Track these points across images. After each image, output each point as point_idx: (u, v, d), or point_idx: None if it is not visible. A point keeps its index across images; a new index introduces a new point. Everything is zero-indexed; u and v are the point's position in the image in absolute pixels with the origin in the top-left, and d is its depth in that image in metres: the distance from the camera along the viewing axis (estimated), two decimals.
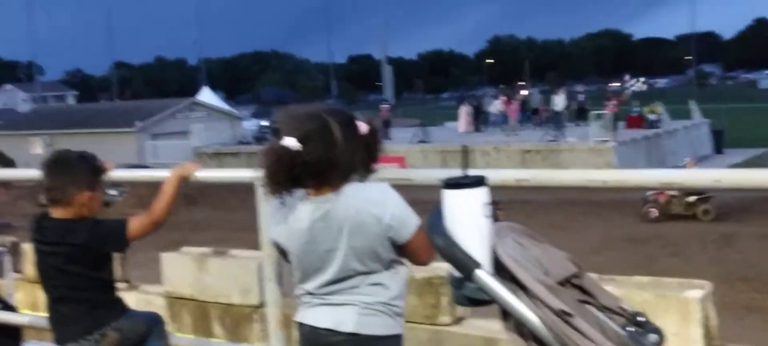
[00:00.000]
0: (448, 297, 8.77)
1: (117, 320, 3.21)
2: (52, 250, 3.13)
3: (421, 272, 8.69)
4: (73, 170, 3.12)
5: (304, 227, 2.41)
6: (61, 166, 3.13)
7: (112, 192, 26.38)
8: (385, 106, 40.98)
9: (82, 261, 3.10)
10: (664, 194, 19.19)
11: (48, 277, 3.22)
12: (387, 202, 2.37)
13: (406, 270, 2.52)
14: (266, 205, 2.71)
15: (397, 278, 2.49)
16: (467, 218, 2.18)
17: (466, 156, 2.27)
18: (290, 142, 2.30)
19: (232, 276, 9.99)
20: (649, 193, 18.84)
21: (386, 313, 2.46)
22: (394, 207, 2.37)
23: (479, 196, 2.20)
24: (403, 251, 2.44)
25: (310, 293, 2.51)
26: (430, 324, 8.78)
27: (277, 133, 2.35)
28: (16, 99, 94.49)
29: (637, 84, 31.66)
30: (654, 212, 19.85)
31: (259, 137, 38.90)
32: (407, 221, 2.38)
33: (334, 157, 2.33)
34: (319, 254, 2.42)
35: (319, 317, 2.48)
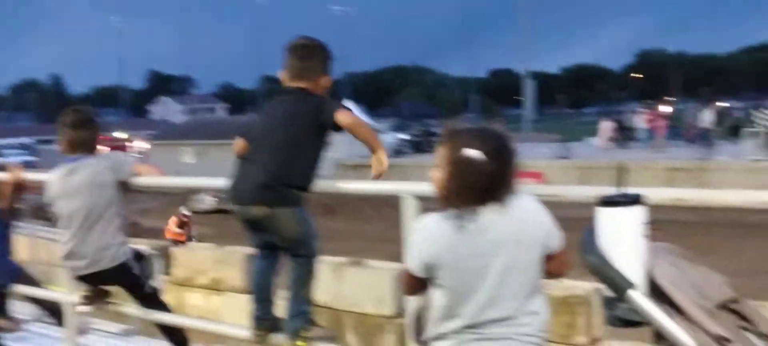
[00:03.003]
0: (584, 317, 8.54)
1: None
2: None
3: (557, 291, 8.49)
4: (323, 54, 3.58)
5: (470, 238, 2.37)
6: (311, 50, 3.56)
7: (208, 199, 27.16)
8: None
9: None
10: None
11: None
12: (543, 211, 2.46)
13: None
14: (415, 220, 2.64)
15: (545, 302, 2.50)
16: (623, 237, 2.09)
17: (622, 174, 2.16)
18: (476, 154, 2.35)
19: (368, 286, 10.11)
20: None
21: (540, 345, 2.47)
22: (549, 217, 2.45)
23: (636, 215, 2.10)
24: (545, 263, 2.45)
25: (465, 328, 2.43)
26: (565, 343, 8.56)
27: (455, 147, 2.39)
28: (171, 110, 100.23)
29: None
30: None
31: (398, 150, 39.35)
32: (557, 231, 2.46)
33: (509, 172, 2.40)
34: (479, 270, 2.38)
35: None
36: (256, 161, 3.48)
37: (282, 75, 3.58)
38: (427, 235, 2.45)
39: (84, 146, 4.14)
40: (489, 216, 2.36)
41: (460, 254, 2.38)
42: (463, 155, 2.35)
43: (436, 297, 2.47)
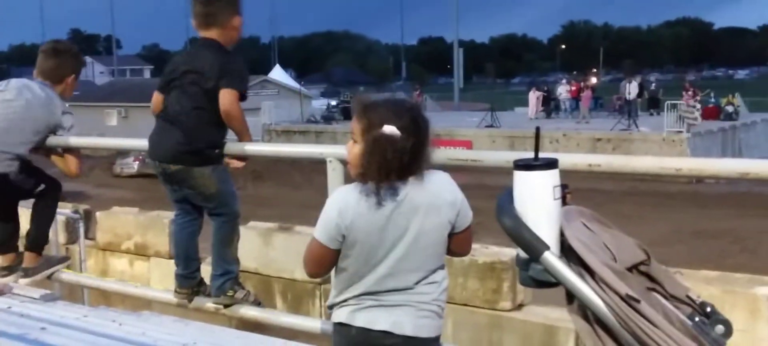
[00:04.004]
0: (509, 283, 8.74)
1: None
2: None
3: (483, 257, 8.67)
4: None
5: (385, 213, 2.38)
6: None
7: (132, 162, 26.83)
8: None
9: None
10: None
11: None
12: (456, 188, 2.48)
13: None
14: (336, 186, 2.63)
15: (445, 274, 2.54)
16: (537, 200, 2.16)
17: (538, 138, 2.22)
18: (393, 130, 2.35)
19: (297, 252, 10.11)
20: None
21: (437, 313, 2.51)
22: (461, 194, 2.47)
23: (550, 178, 2.17)
24: (451, 240, 2.50)
25: (363, 294, 2.47)
26: (491, 309, 8.76)
27: (372, 123, 2.38)
28: (94, 71, 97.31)
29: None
30: None
31: (327, 117, 39.24)
32: (469, 210, 2.49)
33: (425, 145, 2.41)
34: (390, 243, 2.40)
35: (372, 318, 2.46)
36: (171, 120, 3.49)
37: (192, 23, 3.55)
38: (342, 206, 2.42)
39: (48, 75, 4.24)
40: (405, 190, 2.38)
41: (374, 227, 2.39)
42: (382, 133, 2.35)
43: (342, 266, 2.49)
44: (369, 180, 2.38)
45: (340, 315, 2.52)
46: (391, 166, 2.34)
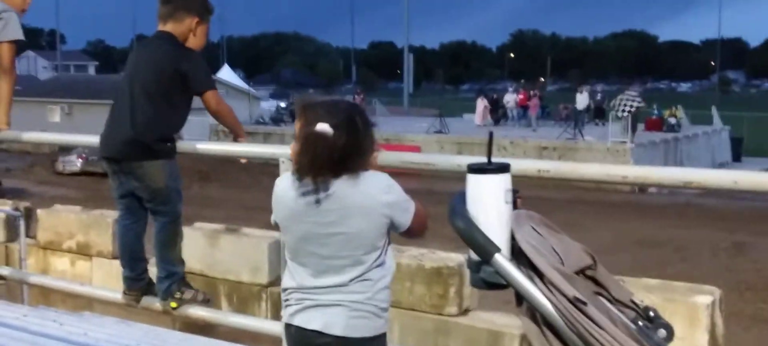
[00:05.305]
0: (455, 288, 8.79)
1: None
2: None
3: (430, 262, 8.70)
4: None
5: (313, 210, 2.44)
6: None
7: (75, 159, 26.36)
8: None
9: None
10: None
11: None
12: (393, 187, 2.49)
13: (393, 264, 2.59)
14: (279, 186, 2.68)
15: (384, 273, 2.54)
16: (489, 203, 2.20)
17: (491, 143, 2.27)
18: (325, 127, 2.40)
19: (243, 254, 10.02)
20: None
21: (374, 313, 2.52)
22: (398, 193, 2.50)
23: (502, 182, 2.21)
24: (404, 234, 2.56)
25: (300, 291, 2.53)
26: (437, 314, 8.78)
27: (308, 121, 2.44)
28: (37, 66, 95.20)
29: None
30: None
31: (276, 118, 39.04)
32: (409, 206, 2.51)
33: (360, 145, 2.46)
34: (320, 238, 2.46)
35: (308, 318, 2.51)
36: (121, 114, 3.47)
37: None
38: (277, 197, 2.55)
39: None
40: (338, 187, 2.43)
41: (305, 221, 2.46)
42: (313, 130, 2.42)
43: (285, 252, 2.61)
44: (303, 175, 2.44)
45: (284, 314, 2.59)
46: (321, 161, 2.39)
